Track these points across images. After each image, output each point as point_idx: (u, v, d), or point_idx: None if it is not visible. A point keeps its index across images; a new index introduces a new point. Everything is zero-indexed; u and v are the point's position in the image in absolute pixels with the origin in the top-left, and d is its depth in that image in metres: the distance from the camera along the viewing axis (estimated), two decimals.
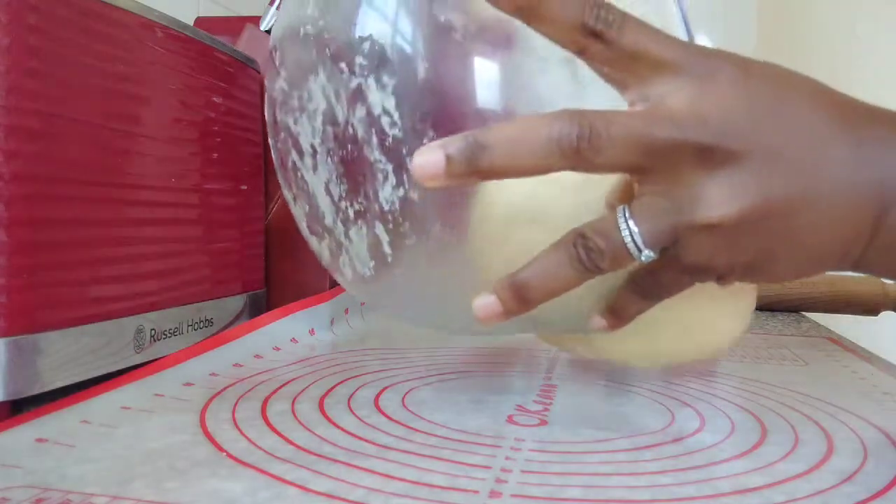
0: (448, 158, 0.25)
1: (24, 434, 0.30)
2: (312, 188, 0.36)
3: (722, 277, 0.28)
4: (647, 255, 0.26)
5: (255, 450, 0.29)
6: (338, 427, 0.32)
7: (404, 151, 0.31)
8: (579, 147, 0.24)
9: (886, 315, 0.72)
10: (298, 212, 0.39)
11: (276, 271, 0.59)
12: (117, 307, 0.39)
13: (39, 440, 0.29)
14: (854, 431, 0.34)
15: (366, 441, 0.31)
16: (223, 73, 0.50)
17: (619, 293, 0.30)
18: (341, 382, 0.40)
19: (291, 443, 0.30)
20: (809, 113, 0.26)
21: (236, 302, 0.52)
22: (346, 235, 0.35)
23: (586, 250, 0.26)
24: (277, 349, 0.48)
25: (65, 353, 0.35)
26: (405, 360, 0.47)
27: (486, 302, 0.27)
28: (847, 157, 0.26)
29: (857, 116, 0.27)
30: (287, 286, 0.59)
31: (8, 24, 0.32)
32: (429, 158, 0.25)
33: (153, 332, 0.42)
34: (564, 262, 0.26)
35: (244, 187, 0.53)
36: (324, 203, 0.35)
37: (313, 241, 0.39)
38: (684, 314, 0.35)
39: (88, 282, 0.37)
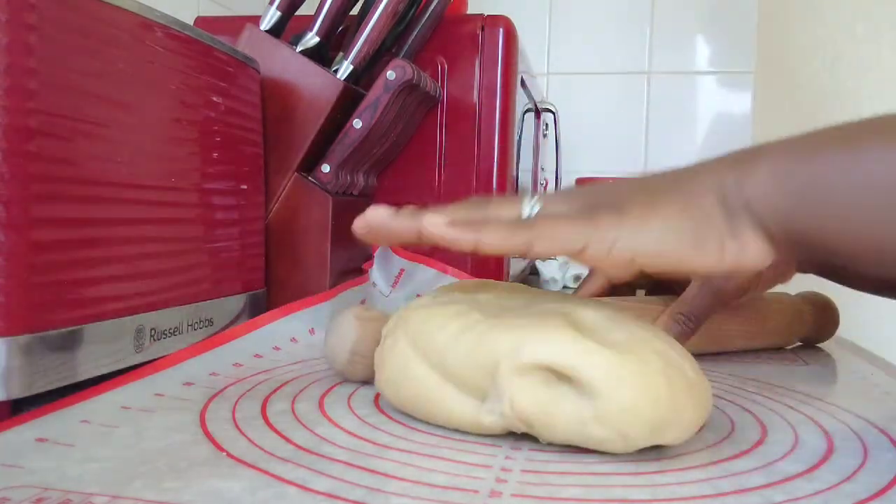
0: None
1: (24, 434, 0.30)
2: None
3: None
4: None
5: (254, 449, 0.29)
6: (338, 426, 0.32)
7: None
8: None
9: (886, 315, 0.72)
10: None
11: (276, 271, 0.59)
12: (117, 307, 0.39)
13: (39, 440, 0.29)
14: (854, 431, 0.34)
15: (366, 441, 0.31)
16: (223, 72, 0.50)
17: None
18: (341, 382, 0.40)
19: (291, 442, 0.30)
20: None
21: (236, 302, 0.51)
22: None
23: None
24: (277, 349, 0.48)
25: (65, 352, 0.35)
26: None
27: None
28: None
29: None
30: (287, 286, 0.59)
31: (8, 24, 0.32)
32: None
33: (153, 332, 0.42)
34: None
35: (244, 187, 0.53)
36: None
37: None
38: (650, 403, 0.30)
39: (88, 282, 0.37)
